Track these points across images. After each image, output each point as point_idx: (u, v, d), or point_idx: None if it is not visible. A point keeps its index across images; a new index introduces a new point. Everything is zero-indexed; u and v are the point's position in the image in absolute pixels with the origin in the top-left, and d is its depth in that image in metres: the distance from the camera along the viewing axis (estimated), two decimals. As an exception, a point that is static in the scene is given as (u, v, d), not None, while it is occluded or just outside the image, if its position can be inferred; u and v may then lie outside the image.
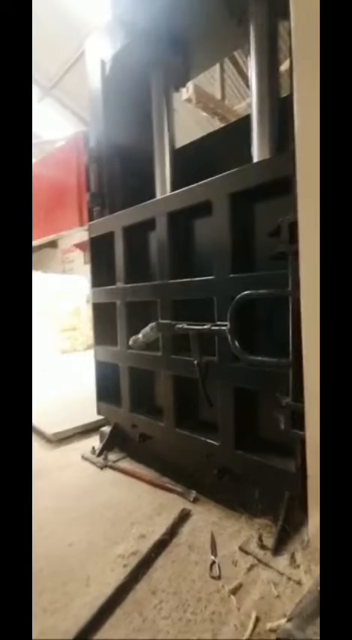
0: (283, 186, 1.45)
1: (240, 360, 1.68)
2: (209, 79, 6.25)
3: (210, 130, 2.99)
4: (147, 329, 2.15)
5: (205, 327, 1.81)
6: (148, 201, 2.22)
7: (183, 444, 2.08)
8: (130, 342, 2.29)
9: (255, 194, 1.72)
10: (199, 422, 2.15)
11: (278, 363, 1.54)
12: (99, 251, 2.63)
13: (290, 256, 1.43)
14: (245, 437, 1.82)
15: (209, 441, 1.92)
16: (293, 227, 1.37)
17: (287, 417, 1.47)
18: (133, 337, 2.26)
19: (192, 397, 2.18)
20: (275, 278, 1.55)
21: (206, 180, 1.85)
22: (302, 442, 1.41)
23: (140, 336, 2.20)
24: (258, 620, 1.22)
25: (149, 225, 2.20)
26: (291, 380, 1.47)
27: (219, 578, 1.42)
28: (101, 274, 2.62)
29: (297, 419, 1.42)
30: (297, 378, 1.43)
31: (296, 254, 1.38)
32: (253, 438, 1.86)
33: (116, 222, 2.43)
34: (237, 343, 1.65)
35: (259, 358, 1.59)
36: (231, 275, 1.75)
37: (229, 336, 1.67)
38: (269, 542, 1.56)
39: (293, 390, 1.46)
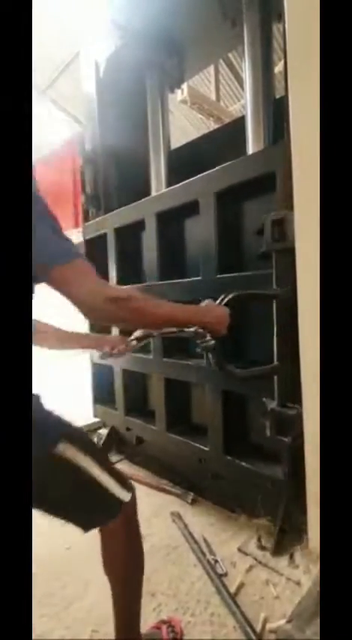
0: (271, 182, 1.44)
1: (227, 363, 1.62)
2: (204, 81, 6.27)
3: (205, 130, 3.00)
4: (138, 331, 2.12)
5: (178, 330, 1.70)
6: (137, 202, 2.18)
7: (175, 448, 2.03)
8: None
9: (242, 191, 1.68)
10: (191, 426, 2.10)
11: (262, 370, 1.44)
12: (93, 253, 2.61)
13: (274, 255, 1.39)
14: (235, 442, 1.77)
15: (199, 445, 1.86)
16: (277, 224, 1.34)
17: (273, 423, 1.41)
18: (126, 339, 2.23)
19: (184, 400, 2.13)
20: (263, 278, 1.50)
21: (192, 179, 1.81)
22: (290, 449, 1.37)
23: (132, 338, 2.17)
24: (266, 620, 1.22)
25: (140, 226, 2.17)
26: (277, 384, 1.41)
27: (226, 575, 1.43)
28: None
29: (283, 425, 1.37)
30: (283, 383, 1.38)
31: (280, 252, 1.35)
32: (243, 442, 1.81)
33: (108, 223, 2.41)
34: (221, 356, 1.40)
35: (238, 370, 1.42)
36: (218, 275, 1.69)
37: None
38: (268, 543, 1.55)
39: (279, 395, 1.40)
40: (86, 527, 1.03)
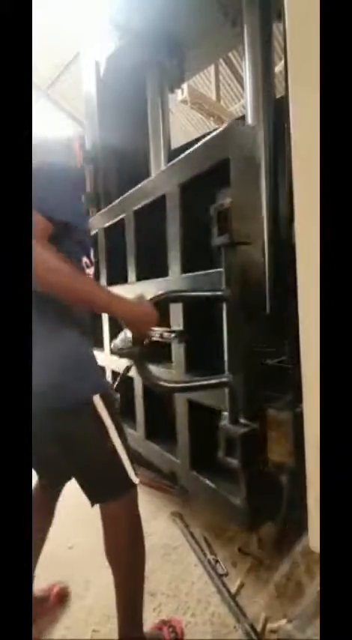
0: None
1: (194, 370, 1.48)
2: (204, 81, 6.26)
3: (205, 130, 2.99)
4: (122, 333, 2.04)
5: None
6: (117, 200, 2.11)
7: (153, 457, 1.92)
8: (111, 347, 2.18)
9: (210, 181, 1.46)
10: (172, 435, 1.88)
11: (204, 383, 1.28)
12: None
13: (222, 250, 1.22)
14: (207, 456, 1.54)
15: (171, 457, 1.72)
16: (223, 216, 1.18)
17: (223, 442, 1.22)
18: (113, 341, 2.15)
19: (166, 407, 1.97)
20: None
21: (158, 172, 1.70)
22: (245, 473, 1.22)
23: (117, 340, 2.09)
24: (266, 620, 1.22)
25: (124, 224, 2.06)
26: (228, 398, 1.23)
27: (226, 575, 1.42)
28: (95, 275, 2.56)
29: (233, 445, 1.19)
30: (235, 397, 1.22)
31: (228, 247, 1.20)
32: (215, 457, 1.57)
33: (97, 222, 2.36)
34: (144, 363, 1.22)
35: (165, 382, 1.24)
36: (182, 275, 1.54)
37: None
38: (268, 542, 1.55)
39: (230, 410, 1.22)
40: (94, 497, 1.07)
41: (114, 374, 2.31)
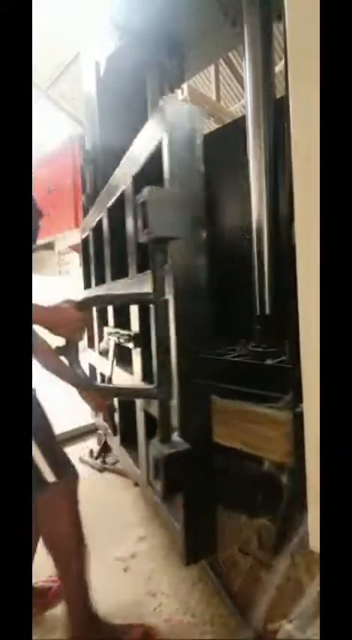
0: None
1: (151, 378, 1.39)
2: (204, 81, 6.27)
3: (206, 130, 3.00)
4: (105, 335, 2.00)
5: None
6: (98, 198, 2.10)
7: (123, 464, 1.88)
8: (99, 349, 2.19)
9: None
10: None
11: (129, 390, 1.21)
12: (87, 252, 2.58)
13: (149, 247, 1.08)
14: None
15: (135, 467, 1.66)
16: (144, 208, 1.02)
17: (151, 462, 1.07)
18: (100, 343, 2.16)
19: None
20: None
21: (119, 166, 1.59)
22: (184, 500, 1.11)
23: (103, 342, 2.07)
24: (266, 621, 1.22)
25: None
26: (158, 413, 1.07)
27: (226, 575, 1.42)
28: (89, 276, 2.56)
29: (158, 467, 1.03)
30: (164, 411, 1.06)
31: (155, 243, 1.07)
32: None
33: (89, 222, 2.37)
34: (75, 362, 1.16)
35: (95, 384, 1.23)
36: (137, 274, 1.44)
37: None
38: (268, 542, 1.55)
39: (159, 427, 1.06)
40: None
41: (102, 375, 2.30)
